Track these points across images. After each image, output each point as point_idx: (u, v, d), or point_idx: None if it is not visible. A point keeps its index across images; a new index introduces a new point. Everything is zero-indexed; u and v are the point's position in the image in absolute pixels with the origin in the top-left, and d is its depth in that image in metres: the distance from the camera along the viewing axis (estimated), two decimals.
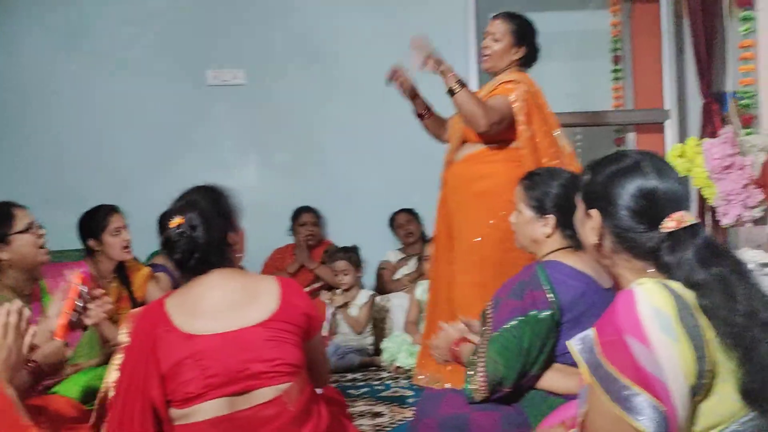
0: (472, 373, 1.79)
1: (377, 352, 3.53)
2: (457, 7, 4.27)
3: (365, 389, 3.02)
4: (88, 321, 1.90)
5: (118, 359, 1.69)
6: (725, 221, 2.96)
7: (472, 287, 2.57)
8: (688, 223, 1.14)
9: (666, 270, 1.14)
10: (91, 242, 2.91)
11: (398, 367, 3.28)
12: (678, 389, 1.02)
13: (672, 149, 3.05)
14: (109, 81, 4.34)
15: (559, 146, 2.74)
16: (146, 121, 4.37)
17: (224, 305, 1.64)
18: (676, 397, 1.02)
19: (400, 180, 4.48)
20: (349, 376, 3.29)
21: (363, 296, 3.67)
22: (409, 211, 4.40)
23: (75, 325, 1.85)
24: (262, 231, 4.36)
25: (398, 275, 4.19)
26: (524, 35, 2.81)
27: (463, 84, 2.61)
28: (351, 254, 3.75)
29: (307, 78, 4.45)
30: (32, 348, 1.75)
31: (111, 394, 1.65)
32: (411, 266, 4.12)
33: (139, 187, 4.13)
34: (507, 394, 1.80)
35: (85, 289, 1.88)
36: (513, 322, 1.74)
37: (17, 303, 1.28)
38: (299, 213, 4.32)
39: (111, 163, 4.31)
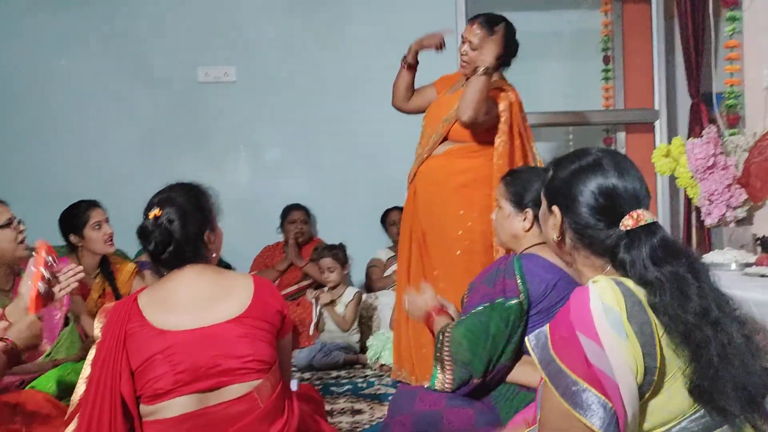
0: (439, 354, 1.81)
1: (363, 349, 3.54)
2: (448, 7, 4.27)
3: (348, 386, 3.03)
4: (59, 292, 1.88)
5: (92, 354, 1.70)
6: (709, 221, 2.96)
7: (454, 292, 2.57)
8: (646, 222, 1.15)
9: (621, 267, 1.15)
10: (73, 238, 2.92)
11: (383, 365, 3.29)
12: (626, 386, 1.03)
13: (657, 149, 3.05)
14: (100, 78, 4.34)
15: (535, 159, 2.78)
16: (137, 118, 4.38)
17: (197, 301, 1.65)
18: (625, 395, 1.03)
19: (391, 178, 4.47)
20: (334, 373, 3.30)
21: (349, 294, 3.68)
22: (401, 209, 4.40)
23: (46, 297, 1.84)
24: (253, 228, 4.39)
25: (388, 273, 4.19)
26: (505, 38, 2.76)
27: (491, 73, 2.64)
28: (337, 251, 3.76)
29: (298, 75, 4.45)
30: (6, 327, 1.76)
31: (82, 389, 1.65)
32: None
33: (130, 184, 4.13)
34: (478, 387, 1.81)
35: (51, 259, 1.85)
36: (480, 308, 1.77)
37: None
38: (289, 210, 4.33)
39: (101, 161, 4.31)
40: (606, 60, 4.55)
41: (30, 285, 1.82)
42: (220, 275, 1.73)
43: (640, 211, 1.16)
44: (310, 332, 3.68)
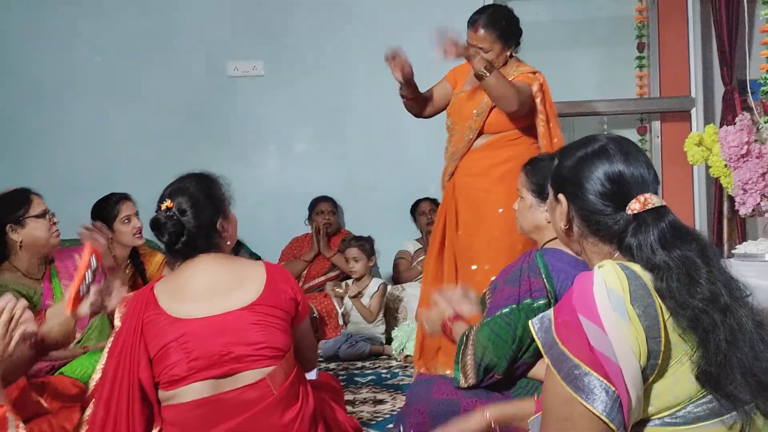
0: (461, 358, 1.79)
1: (389, 340, 3.54)
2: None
3: (372, 377, 3.03)
4: (109, 305, 1.89)
5: (110, 343, 1.74)
6: (743, 211, 2.87)
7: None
8: (654, 206, 1.13)
9: (629, 252, 1.13)
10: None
11: (407, 356, 3.29)
12: (629, 370, 1.02)
13: (690, 137, 2.97)
14: (131, 73, 4.43)
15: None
16: (168, 112, 4.45)
17: (210, 289, 1.68)
18: (628, 378, 1.01)
19: (419, 170, 4.46)
20: (359, 363, 3.31)
21: (374, 285, 3.68)
22: (433, 201, 4.39)
23: (94, 308, 1.87)
24: (281, 220, 4.43)
25: (415, 265, 4.19)
26: (509, 33, 2.75)
27: (491, 68, 2.59)
28: (364, 243, 3.77)
29: (327, 68, 4.47)
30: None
31: (98, 376, 1.69)
32: None
33: (160, 177, 4.17)
34: (498, 381, 1.79)
35: (95, 264, 1.89)
36: (506, 309, 1.74)
37: (7, 297, 1.33)
38: (316, 202, 4.35)
39: (133, 154, 4.39)
40: (640, 47, 4.45)
41: (72, 285, 1.87)
42: (234, 264, 1.76)
43: (647, 195, 1.14)
44: (340, 322, 3.70)
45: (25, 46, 4.41)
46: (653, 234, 1.10)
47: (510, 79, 2.69)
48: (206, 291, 1.67)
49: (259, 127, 4.50)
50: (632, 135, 4.47)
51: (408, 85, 2.84)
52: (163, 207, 1.69)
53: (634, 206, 1.13)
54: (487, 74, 2.57)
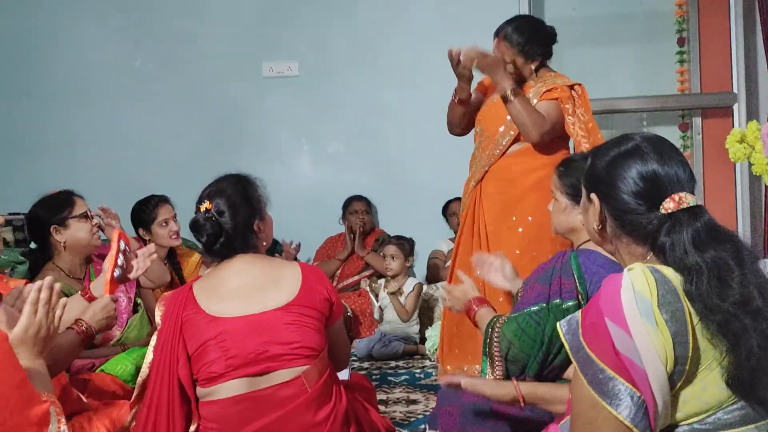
0: (488, 349, 1.78)
1: (423, 340, 3.53)
2: None
3: (405, 377, 3.03)
4: (135, 272, 2.01)
5: (154, 340, 1.77)
6: None
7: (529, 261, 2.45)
8: (688, 205, 1.11)
9: (661, 252, 1.11)
10: (142, 232, 3.08)
11: None
12: (656, 376, 1.00)
13: (731, 134, 2.89)
14: (169, 75, 4.51)
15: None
16: (205, 114, 4.52)
17: (246, 289, 1.70)
18: (654, 384, 1.00)
19: (453, 169, 4.43)
20: (392, 363, 3.31)
21: (410, 285, 3.68)
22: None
23: (120, 281, 1.98)
24: (316, 220, 4.46)
25: (449, 264, 4.17)
26: (533, 46, 2.62)
27: (517, 92, 2.51)
28: (403, 242, 3.77)
29: (361, 69, 4.48)
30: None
31: (146, 374, 1.73)
32: None
33: (198, 177, 4.25)
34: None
35: (123, 245, 1.98)
36: (534, 307, 1.72)
37: (48, 279, 1.36)
38: (351, 201, 4.37)
39: (171, 155, 4.47)
40: (680, 41, 4.35)
41: (106, 269, 1.93)
42: (269, 264, 1.78)
43: (682, 194, 1.11)
44: (376, 316, 3.71)
45: (70, 51, 4.53)
46: (687, 234, 1.08)
47: (540, 93, 2.58)
48: (242, 291, 1.69)
49: (294, 127, 4.54)
50: (673, 132, 4.37)
51: (468, 84, 2.71)
52: (202, 209, 1.72)
53: (669, 205, 1.11)
54: (511, 98, 2.49)
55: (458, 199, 4.34)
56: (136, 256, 2.03)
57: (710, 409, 1.03)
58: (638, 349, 1.01)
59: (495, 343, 1.77)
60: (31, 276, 2.37)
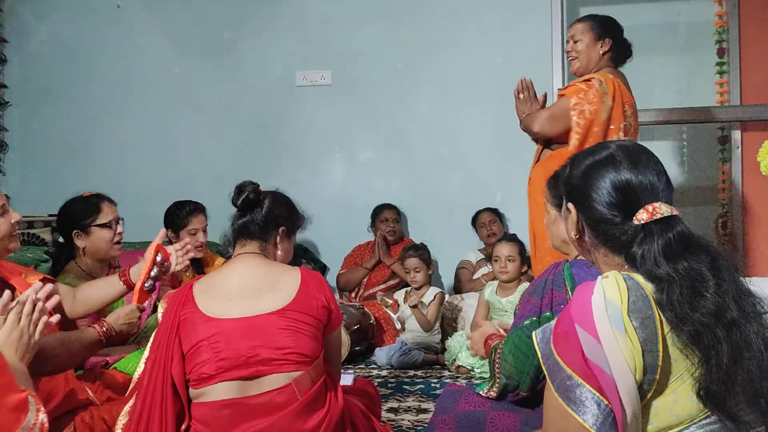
0: (491, 369, 1.76)
1: (444, 350, 3.51)
2: (544, 6, 4.14)
3: (420, 386, 3.02)
4: (174, 266, 2.12)
5: (152, 338, 1.82)
6: None
7: None
8: (662, 215, 1.08)
9: (633, 263, 1.09)
10: (170, 234, 3.14)
11: (459, 367, 3.25)
12: (624, 384, 0.98)
13: (763, 147, 2.80)
14: (206, 83, 4.63)
15: None
16: (239, 121, 4.62)
17: (244, 291, 1.72)
18: (623, 392, 0.98)
19: (483, 179, 4.43)
20: (411, 372, 3.29)
21: (431, 294, 3.66)
22: (493, 211, 4.34)
23: (151, 290, 2.06)
24: (346, 227, 4.50)
25: (477, 275, 4.14)
26: (605, 29, 2.79)
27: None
28: (422, 252, 3.76)
29: (392, 78, 4.51)
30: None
31: (141, 370, 1.78)
32: (490, 266, 4.05)
33: (230, 182, 4.35)
34: (528, 397, 1.75)
35: (159, 258, 2.05)
36: (527, 321, 1.70)
37: (35, 288, 1.44)
38: (380, 209, 4.39)
39: (207, 161, 4.58)
40: (720, 52, 4.22)
41: (139, 278, 1.99)
42: (270, 268, 1.79)
43: (656, 204, 1.09)
44: (397, 326, 3.71)
45: (113, 58, 4.70)
46: (658, 244, 1.06)
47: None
48: (239, 292, 1.71)
49: (325, 135, 4.59)
50: (713, 144, 4.26)
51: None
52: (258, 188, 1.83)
53: (642, 216, 1.09)
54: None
55: (488, 209, 4.34)
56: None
57: (682, 422, 1.00)
58: (606, 356, 0.99)
59: (497, 364, 1.75)
60: (54, 273, 2.44)
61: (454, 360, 3.29)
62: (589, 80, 2.70)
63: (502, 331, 1.95)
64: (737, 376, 0.97)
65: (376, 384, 3.01)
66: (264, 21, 4.60)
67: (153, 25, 4.67)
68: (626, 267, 1.12)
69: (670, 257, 1.05)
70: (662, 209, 1.09)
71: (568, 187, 1.22)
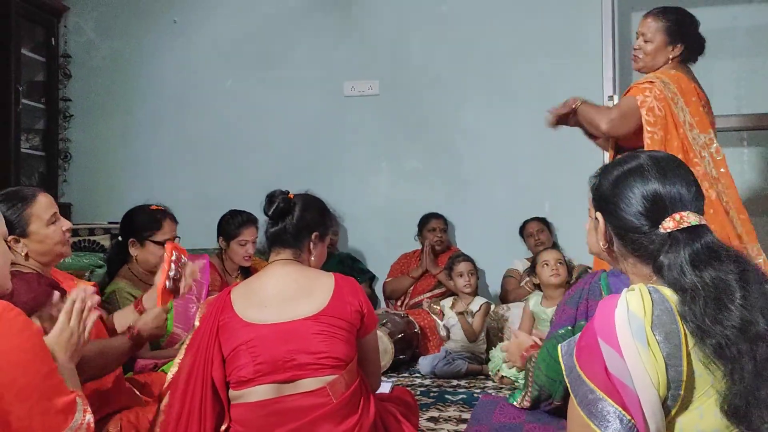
0: (525, 378, 1.75)
1: (489, 360, 3.48)
2: (593, 10, 4.08)
3: (462, 396, 3.00)
4: (183, 289, 2.07)
5: (188, 340, 1.87)
6: None
7: None
8: (689, 224, 1.07)
9: (660, 272, 1.08)
10: (221, 242, 3.24)
11: (503, 377, 3.22)
12: (647, 399, 0.97)
13: None
14: (257, 94, 4.75)
15: (708, 151, 2.51)
16: (288, 130, 4.71)
17: (280, 297, 1.77)
18: (646, 407, 0.96)
19: (530, 188, 4.38)
20: (454, 382, 3.28)
21: (476, 304, 3.64)
22: (541, 220, 4.29)
23: (173, 292, 2.05)
24: (392, 235, 4.52)
25: (523, 284, 4.09)
26: (679, 31, 2.58)
27: (583, 101, 2.61)
28: (470, 258, 3.75)
29: (439, 87, 4.52)
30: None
31: (175, 371, 1.83)
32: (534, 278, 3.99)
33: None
34: (561, 406, 1.72)
35: (174, 257, 2.06)
36: (561, 330, 1.68)
37: (83, 289, 1.50)
38: (428, 218, 4.39)
39: (258, 169, 4.66)
40: None
41: (158, 281, 2.05)
42: (305, 274, 1.83)
43: (684, 213, 1.08)
44: (442, 334, 3.69)
45: (167, 72, 4.88)
46: (685, 253, 1.04)
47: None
48: (275, 298, 1.76)
49: (373, 144, 4.64)
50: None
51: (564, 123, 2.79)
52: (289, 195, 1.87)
53: (668, 224, 1.08)
54: (578, 105, 2.59)
55: (536, 219, 4.29)
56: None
57: None
58: (629, 371, 0.98)
59: (530, 373, 1.74)
60: (108, 275, 2.55)
61: (498, 370, 3.25)
62: (651, 81, 2.59)
63: (538, 340, 1.93)
64: (762, 391, 0.94)
65: (418, 393, 3.02)
66: (313, 33, 4.68)
67: (206, 39, 4.82)
68: (655, 278, 1.11)
69: (696, 267, 1.03)
70: (690, 218, 1.07)
71: (597, 196, 1.21)
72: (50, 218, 1.86)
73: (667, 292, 1.04)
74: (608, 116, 2.52)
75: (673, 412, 0.98)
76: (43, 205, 1.85)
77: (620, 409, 0.97)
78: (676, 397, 0.98)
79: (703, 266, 1.03)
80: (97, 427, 1.53)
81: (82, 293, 1.48)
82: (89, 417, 1.32)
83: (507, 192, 4.40)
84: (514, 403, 1.75)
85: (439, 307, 3.71)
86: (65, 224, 1.90)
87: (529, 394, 1.71)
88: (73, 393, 1.32)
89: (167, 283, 2.03)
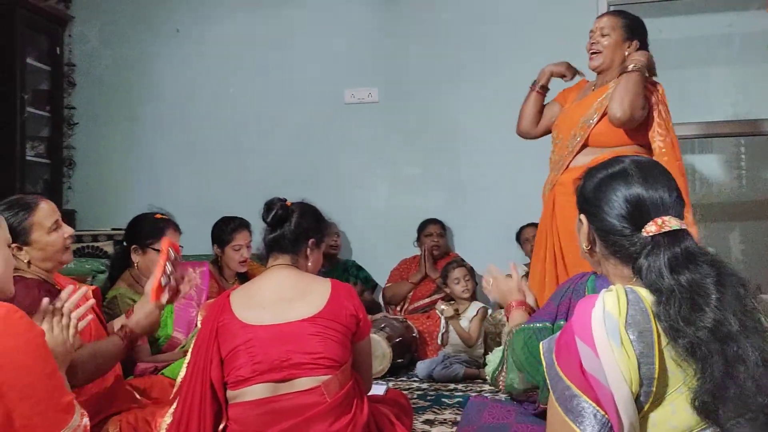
0: (499, 358, 1.79)
1: (486, 364, 3.51)
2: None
3: (459, 399, 3.04)
4: (181, 294, 2.11)
5: (192, 343, 1.93)
6: None
7: None
8: (670, 228, 1.11)
9: (638, 274, 1.12)
10: (216, 249, 3.29)
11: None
12: (621, 395, 1.01)
13: None
14: (259, 102, 4.81)
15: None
16: (289, 137, 4.77)
17: (277, 300, 1.83)
18: (620, 404, 1.00)
19: (525, 194, 4.41)
20: (451, 386, 3.32)
21: (473, 309, 3.68)
22: (537, 226, 4.32)
23: (168, 289, 2.05)
24: (391, 242, 4.57)
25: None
26: (635, 30, 2.63)
27: (643, 71, 2.53)
28: (466, 264, 3.79)
29: (437, 94, 4.58)
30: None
31: (184, 373, 1.88)
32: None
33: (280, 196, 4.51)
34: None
35: (173, 255, 2.09)
36: (539, 324, 1.68)
37: (68, 289, 1.56)
38: (426, 224, 4.44)
39: (258, 175, 4.72)
40: None
41: (153, 276, 2.08)
42: (302, 278, 1.89)
43: (665, 218, 1.13)
44: (439, 341, 3.73)
45: (170, 80, 4.95)
46: (664, 257, 1.09)
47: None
48: (272, 300, 1.82)
49: (372, 150, 4.69)
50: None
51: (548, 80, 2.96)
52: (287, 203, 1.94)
53: (650, 228, 1.12)
54: (641, 68, 2.50)
55: (532, 224, 4.32)
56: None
57: None
58: (603, 368, 1.02)
59: (507, 347, 1.76)
60: (110, 278, 2.60)
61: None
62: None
63: (531, 302, 1.93)
64: (730, 389, 0.98)
65: (414, 396, 3.06)
66: (314, 42, 4.75)
67: (209, 48, 4.88)
68: (634, 279, 1.15)
69: (674, 270, 1.07)
70: (671, 223, 1.12)
71: (581, 199, 1.26)
72: (52, 225, 1.90)
73: (644, 293, 1.08)
74: (633, 104, 2.47)
75: (646, 407, 1.02)
76: (44, 213, 1.89)
77: (595, 405, 1.01)
78: (649, 394, 1.02)
79: (681, 269, 1.07)
80: (96, 428, 1.58)
81: (59, 303, 1.53)
82: (86, 421, 1.37)
83: (505, 198, 4.44)
84: (499, 380, 1.77)
85: (444, 307, 3.73)
86: (67, 231, 1.95)
87: (504, 374, 1.74)
88: (70, 394, 1.37)
89: (163, 279, 2.02)
